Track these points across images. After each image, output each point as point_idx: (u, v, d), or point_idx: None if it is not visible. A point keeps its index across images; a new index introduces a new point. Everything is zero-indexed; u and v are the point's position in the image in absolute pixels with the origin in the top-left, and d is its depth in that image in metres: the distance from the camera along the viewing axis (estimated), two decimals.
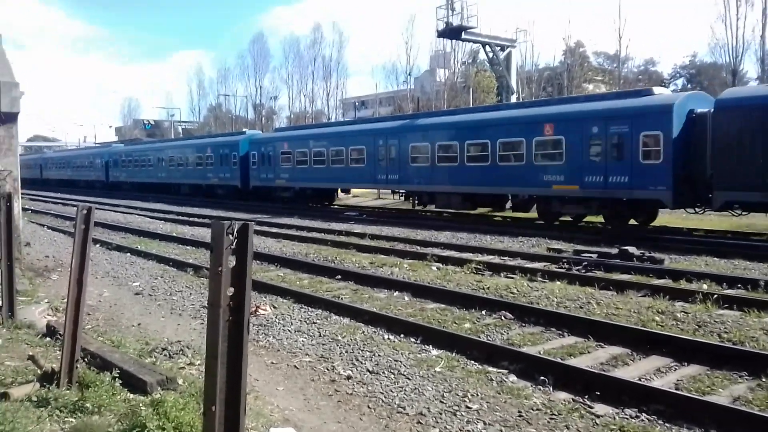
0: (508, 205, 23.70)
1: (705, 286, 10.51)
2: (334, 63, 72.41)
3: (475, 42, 33.19)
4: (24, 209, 21.06)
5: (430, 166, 24.42)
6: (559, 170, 19.81)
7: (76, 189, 57.95)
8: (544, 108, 21.70)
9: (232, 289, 3.11)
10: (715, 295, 9.35)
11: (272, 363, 7.01)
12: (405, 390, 6.02)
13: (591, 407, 5.55)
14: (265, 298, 10.24)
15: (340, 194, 35.50)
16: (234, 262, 3.13)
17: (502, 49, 31.95)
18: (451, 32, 31.07)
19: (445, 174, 23.83)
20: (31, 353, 5.80)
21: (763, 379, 6.11)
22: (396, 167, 25.96)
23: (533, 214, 23.00)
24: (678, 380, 6.26)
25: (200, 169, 39.92)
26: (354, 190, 35.89)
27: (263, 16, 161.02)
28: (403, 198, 32.11)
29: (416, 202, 27.86)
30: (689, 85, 65.50)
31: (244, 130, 46.68)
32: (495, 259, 13.94)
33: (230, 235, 3.07)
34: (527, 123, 20.93)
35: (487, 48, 31.79)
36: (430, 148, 24.29)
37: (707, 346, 7.00)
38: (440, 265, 13.41)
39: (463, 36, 31.16)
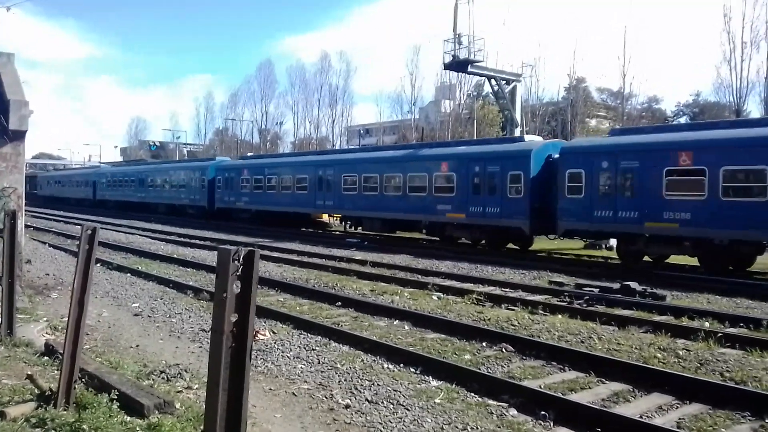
0: None
1: (707, 324, 10.45)
2: (340, 91, 73.14)
3: (480, 75, 33.49)
4: (26, 226, 21.10)
5: None
6: None
7: (156, 217, 41.11)
8: None
9: (235, 316, 3.10)
10: (719, 334, 9.30)
11: (270, 389, 6.95)
12: (404, 421, 5.96)
13: None
14: (265, 323, 10.19)
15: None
16: (238, 289, 3.12)
17: (508, 83, 32.23)
18: (458, 65, 31.37)
19: None
20: (29, 372, 5.77)
21: (766, 420, 6.04)
22: None
23: None
24: (680, 419, 6.20)
25: (420, 198, 25.15)
26: None
27: (274, 43, 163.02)
28: None
29: None
30: None
31: (522, 136, 27.74)
32: (496, 291, 13.89)
33: (236, 262, 3.07)
34: None
35: (493, 81, 32.04)
36: None
37: (709, 385, 6.94)
38: (441, 294, 13.37)
39: (469, 69, 31.45)
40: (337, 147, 67.02)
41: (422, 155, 26.88)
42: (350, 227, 30.70)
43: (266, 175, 34.73)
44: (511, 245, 23.36)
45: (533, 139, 24.22)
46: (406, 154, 28.19)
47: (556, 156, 20.73)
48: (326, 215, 35.47)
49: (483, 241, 24.06)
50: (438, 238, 25.79)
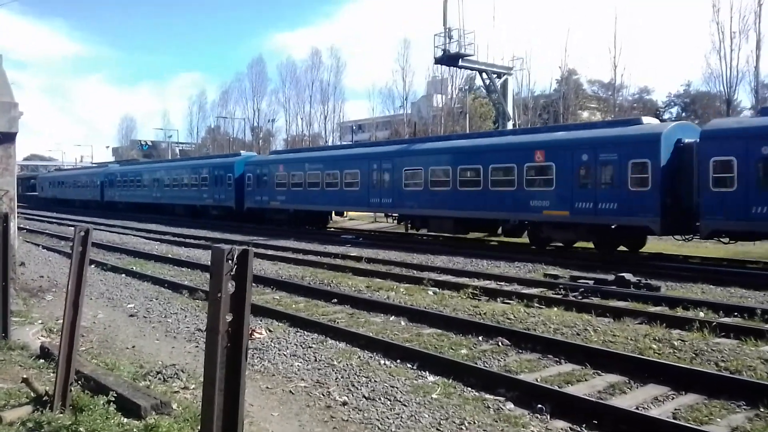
0: None
1: (702, 314, 10.50)
2: (331, 87, 72.89)
3: (471, 69, 33.49)
4: (19, 228, 21.01)
5: None
6: None
7: (163, 218, 39.54)
8: None
9: (230, 315, 3.10)
10: (713, 323, 9.35)
11: (267, 388, 6.95)
12: (401, 417, 5.96)
13: None
14: (261, 321, 10.18)
15: None
16: (233, 288, 3.12)
17: (499, 76, 32.25)
18: (449, 59, 31.38)
19: None
20: (25, 376, 5.75)
21: (761, 409, 6.08)
22: None
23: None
24: (676, 409, 6.23)
25: (506, 193, 21.50)
26: None
27: (264, 40, 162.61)
28: None
29: None
30: (683, 114, 66.27)
31: (638, 118, 22.45)
32: (491, 284, 13.91)
33: (230, 261, 3.06)
34: None
35: (484, 75, 32.06)
36: None
37: (705, 375, 6.98)
38: (437, 289, 13.38)
39: (460, 63, 31.48)
40: (330, 143, 66.74)
41: (509, 144, 22.44)
42: (411, 228, 27.32)
43: (307, 171, 30.63)
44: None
45: (650, 121, 20.74)
46: (487, 143, 23.66)
47: (689, 141, 17.76)
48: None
49: (585, 242, 20.82)
50: (528, 240, 22.32)
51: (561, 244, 21.23)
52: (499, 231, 23.99)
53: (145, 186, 46.43)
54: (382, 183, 26.47)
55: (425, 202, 24.54)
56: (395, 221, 29.37)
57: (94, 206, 54.00)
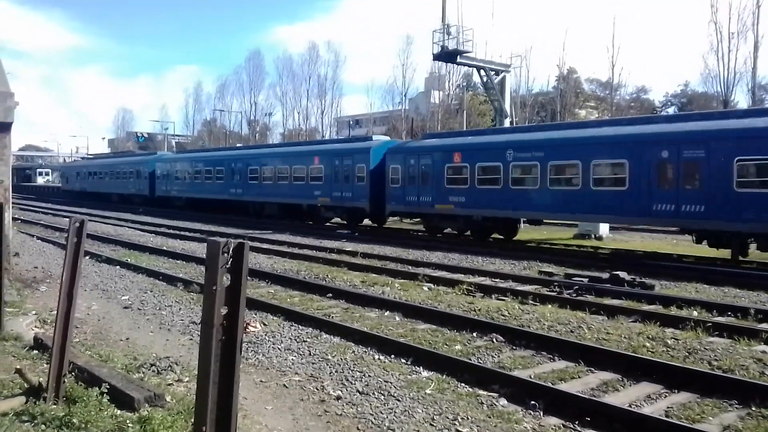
0: None
1: (695, 313, 10.54)
2: (329, 82, 72.86)
3: (469, 66, 33.45)
4: (14, 219, 20.96)
5: None
6: None
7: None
8: None
9: (225, 308, 3.09)
10: (707, 323, 9.38)
11: (261, 381, 6.96)
12: (395, 412, 5.98)
13: None
14: (255, 315, 10.17)
15: None
16: (228, 281, 3.11)
17: (497, 73, 32.21)
18: (447, 56, 31.31)
19: None
20: (18, 366, 5.73)
21: (753, 408, 6.11)
22: None
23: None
24: (668, 407, 6.25)
25: None
26: None
27: (263, 34, 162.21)
28: None
29: None
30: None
31: None
32: (486, 281, 13.93)
33: (226, 254, 3.06)
34: None
35: (482, 72, 32.02)
36: None
37: (697, 374, 7.01)
38: (432, 285, 13.39)
39: (459, 60, 31.43)
40: (327, 137, 66.34)
41: None
42: (738, 254, 16.96)
43: (511, 162, 21.14)
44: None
45: None
46: None
47: None
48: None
49: None
50: None
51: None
52: None
53: (220, 178, 37.11)
54: (679, 180, 17.09)
55: None
56: (694, 240, 18.06)
57: (140, 202, 45.18)
